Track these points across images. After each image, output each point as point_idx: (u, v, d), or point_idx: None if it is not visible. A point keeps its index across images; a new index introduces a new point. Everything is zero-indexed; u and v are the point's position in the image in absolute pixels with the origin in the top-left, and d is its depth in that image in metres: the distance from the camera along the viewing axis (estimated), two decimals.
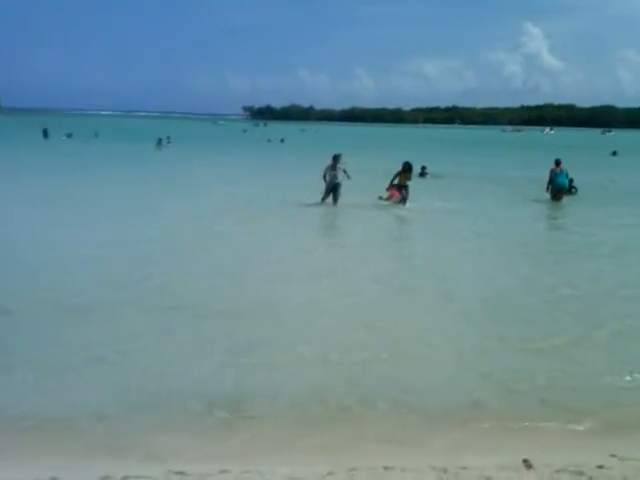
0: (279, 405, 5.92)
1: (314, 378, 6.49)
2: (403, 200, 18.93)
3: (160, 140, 50.16)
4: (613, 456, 4.82)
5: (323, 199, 18.67)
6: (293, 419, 5.70)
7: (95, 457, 4.95)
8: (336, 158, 18.89)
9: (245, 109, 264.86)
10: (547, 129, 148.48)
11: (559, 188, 20.93)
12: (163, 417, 5.65)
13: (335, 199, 18.63)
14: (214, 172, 29.76)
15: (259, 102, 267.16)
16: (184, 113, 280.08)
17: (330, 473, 4.52)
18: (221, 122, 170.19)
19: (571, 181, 22.34)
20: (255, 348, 7.21)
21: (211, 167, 32.47)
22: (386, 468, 4.61)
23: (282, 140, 67.01)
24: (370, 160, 35.53)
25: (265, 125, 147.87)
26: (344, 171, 18.66)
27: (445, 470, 4.59)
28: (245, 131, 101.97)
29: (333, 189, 18.58)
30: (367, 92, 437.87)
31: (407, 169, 19.40)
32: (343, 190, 18.60)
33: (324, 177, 18.78)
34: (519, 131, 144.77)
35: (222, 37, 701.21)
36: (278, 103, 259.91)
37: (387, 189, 19.41)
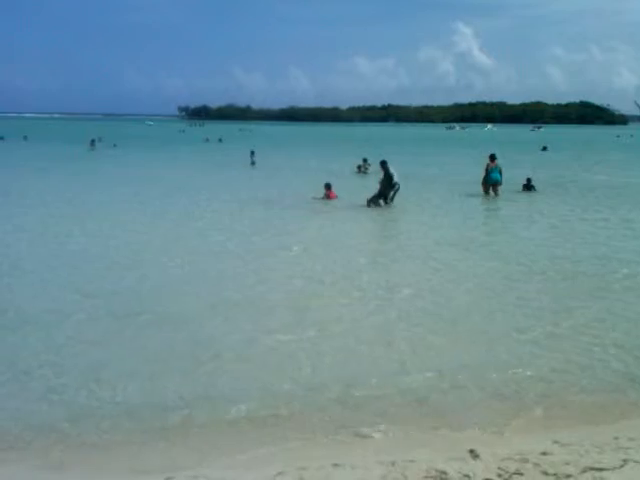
0: (224, 407, 5.83)
1: (259, 378, 6.43)
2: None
3: (93, 141, 49.06)
4: (556, 443, 4.94)
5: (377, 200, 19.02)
6: (239, 419, 5.62)
7: None
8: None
9: (180, 109, 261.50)
10: (489, 126, 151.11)
11: (493, 182, 21.68)
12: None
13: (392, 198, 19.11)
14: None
15: (195, 102, 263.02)
16: (117, 115, 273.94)
17: (280, 473, 4.47)
18: (149, 122, 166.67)
19: (530, 180, 23.08)
20: (205, 352, 7.13)
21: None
22: (335, 465, 4.59)
23: (220, 140, 66.66)
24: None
25: (202, 125, 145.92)
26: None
27: (393, 464, 4.60)
28: (183, 131, 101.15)
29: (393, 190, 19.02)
30: (304, 91, 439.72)
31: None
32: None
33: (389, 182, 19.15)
34: (464, 128, 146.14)
35: (153, 37, 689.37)
36: (215, 103, 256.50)
37: (325, 190, 20.03)
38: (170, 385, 6.26)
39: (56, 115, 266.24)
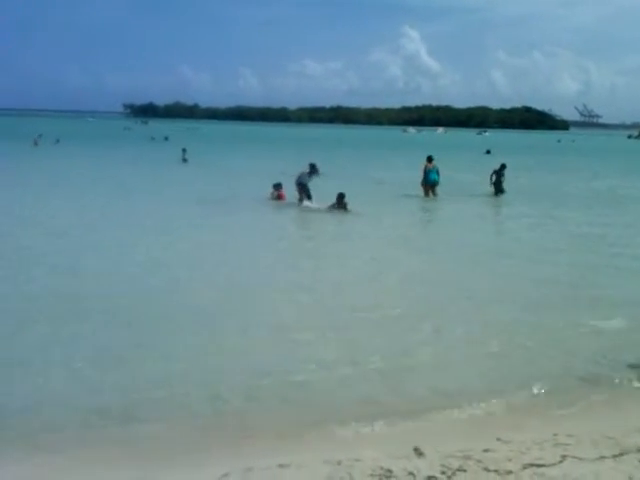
0: (168, 408, 5.75)
1: (203, 378, 6.38)
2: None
3: (38, 137, 47.88)
4: (498, 440, 5.03)
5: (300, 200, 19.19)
6: (183, 421, 5.55)
7: None
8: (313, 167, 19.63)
9: (126, 106, 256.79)
10: (440, 129, 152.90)
11: (431, 183, 22.01)
12: None
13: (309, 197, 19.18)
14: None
15: (141, 100, 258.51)
16: (59, 111, 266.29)
17: (225, 475, 4.43)
18: (90, 119, 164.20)
19: (501, 182, 23.23)
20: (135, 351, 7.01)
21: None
22: (281, 466, 4.58)
23: (166, 138, 65.63)
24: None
25: (145, 123, 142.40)
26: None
27: (339, 463, 4.61)
28: (128, 129, 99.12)
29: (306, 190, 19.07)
30: (252, 91, 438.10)
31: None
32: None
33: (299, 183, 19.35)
34: (419, 132, 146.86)
35: (97, 34, 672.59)
36: (161, 101, 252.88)
37: (274, 190, 19.84)
38: (114, 383, 6.17)
39: None
